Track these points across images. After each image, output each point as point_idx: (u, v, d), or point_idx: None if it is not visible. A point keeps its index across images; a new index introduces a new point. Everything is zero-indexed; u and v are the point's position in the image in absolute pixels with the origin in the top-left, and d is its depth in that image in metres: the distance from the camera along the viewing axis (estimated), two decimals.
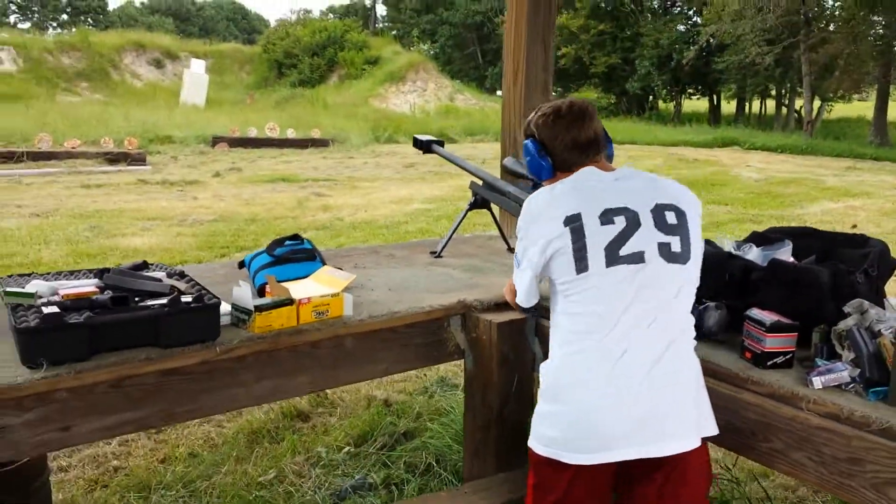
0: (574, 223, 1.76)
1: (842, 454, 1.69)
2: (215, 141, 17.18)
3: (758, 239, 2.40)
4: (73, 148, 14.14)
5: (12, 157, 13.12)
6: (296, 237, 2.65)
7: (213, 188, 11.71)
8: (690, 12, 36.58)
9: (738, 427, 1.89)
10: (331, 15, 56.82)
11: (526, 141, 2.00)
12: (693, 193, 1.90)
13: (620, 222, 1.76)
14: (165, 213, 9.39)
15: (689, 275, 1.79)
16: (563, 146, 1.91)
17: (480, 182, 2.95)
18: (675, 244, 1.76)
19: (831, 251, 2.34)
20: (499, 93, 44.36)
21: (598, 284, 1.74)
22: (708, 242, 2.33)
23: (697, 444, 1.71)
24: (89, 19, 60.11)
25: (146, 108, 21.74)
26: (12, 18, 60.24)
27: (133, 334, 1.90)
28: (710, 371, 1.95)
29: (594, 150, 1.91)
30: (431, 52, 47.63)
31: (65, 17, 62.10)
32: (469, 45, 46.79)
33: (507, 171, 2.78)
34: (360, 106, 25.21)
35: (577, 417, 1.74)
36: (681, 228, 1.78)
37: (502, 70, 3.37)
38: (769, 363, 1.90)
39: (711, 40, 27.44)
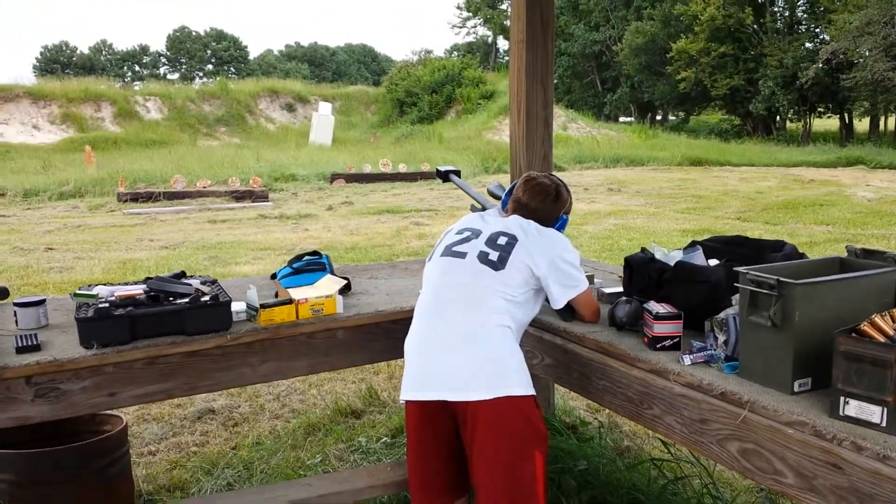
0: (448, 231, 2.50)
1: (695, 416, 2.04)
2: (333, 178, 18.22)
3: (690, 246, 2.75)
4: (204, 187, 15.53)
5: (150, 197, 14.64)
6: (315, 253, 3.23)
7: (324, 220, 12.59)
8: (817, 30, 35.39)
9: (630, 398, 2.27)
10: (455, 53, 58.54)
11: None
12: (560, 245, 2.41)
13: (466, 233, 2.42)
14: (277, 244, 10.26)
15: (502, 279, 2.28)
16: (513, 197, 2.61)
17: (479, 206, 3.42)
18: (493, 255, 2.31)
19: (760, 256, 2.68)
20: (621, 119, 44.32)
21: (430, 269, 2.40)
22: (642, 250, 2.74)
23: (484, 397, 2.13)
24: (231, 68, 64.57)
25: (276, 148, 23.30)
26: (162, 70, 65.62)
27: (164, 324, 2.50)
28: (613, 353, 2.35)
29: (522, 210, 2.54)
30: None
31: (210, 66, 66.97)
32: (588, 74, 47.00)
33: (490, 195, 3.24)
34: (473, 139, 25.93)
35: (407, 370, 2.30)
36: (505, 248, 2.33)
37: (509, 108, 3.82)
38: (658, 346, 2.27)
39: (832, 58, 26.47)
